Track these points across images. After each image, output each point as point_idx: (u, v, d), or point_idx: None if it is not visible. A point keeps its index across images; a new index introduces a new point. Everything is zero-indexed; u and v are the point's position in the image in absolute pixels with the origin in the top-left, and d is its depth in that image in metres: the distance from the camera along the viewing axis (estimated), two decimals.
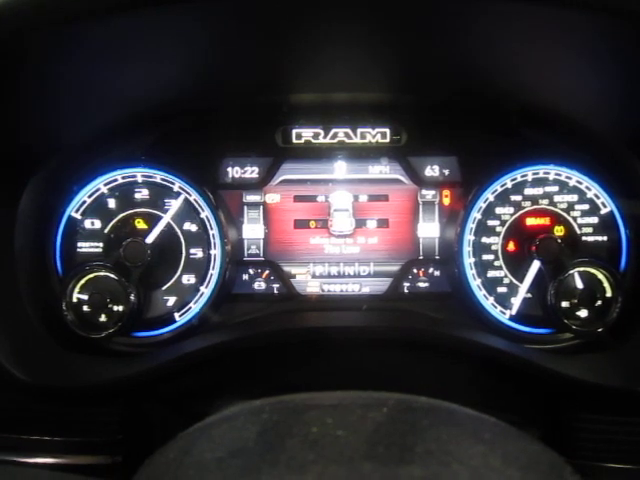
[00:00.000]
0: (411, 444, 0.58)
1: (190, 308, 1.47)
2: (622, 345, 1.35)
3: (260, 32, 1.09)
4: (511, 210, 1.48)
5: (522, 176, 1.48)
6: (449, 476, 0.54)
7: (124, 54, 1.10)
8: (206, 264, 1.47)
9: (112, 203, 1.47)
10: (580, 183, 1.47)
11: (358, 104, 1.51)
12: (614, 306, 1.37)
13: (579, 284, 1.38)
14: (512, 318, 1.46)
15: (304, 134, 1.53)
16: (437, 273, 1.53)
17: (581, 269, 1.38)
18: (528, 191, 1.48)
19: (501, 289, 1.48)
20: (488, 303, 1.47)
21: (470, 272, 1.47)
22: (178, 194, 1.47)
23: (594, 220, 1.46)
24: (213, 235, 1.47)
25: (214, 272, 1.47)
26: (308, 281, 1.54)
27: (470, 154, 1.52)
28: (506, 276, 1.48)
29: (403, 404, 0.68)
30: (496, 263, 1.48)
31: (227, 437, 0.64)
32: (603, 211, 1.46)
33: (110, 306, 1.38)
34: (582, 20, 0.99)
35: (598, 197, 1.46)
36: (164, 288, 1.47)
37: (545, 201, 1.47)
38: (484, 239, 1.48)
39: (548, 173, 1.48)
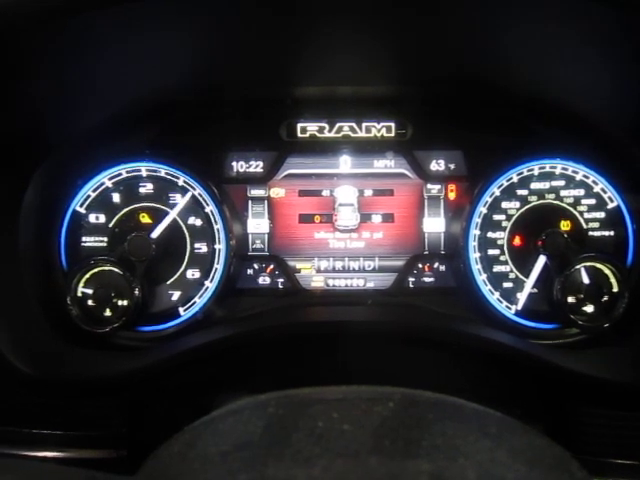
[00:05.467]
0: (417, 438, 0.58)
1: (195, 302, 1.47)
2: (628, 340, 1.34)
3: (264, 25, 1.08)
4: (517, 204, 1.47)
5: (528, 170, 1.47)
6: (455, 470, 0.54)
7: (127, 47, 1.10)
8: (211, 259, 1.47)
9: (117, 197, 1.47)
10: (587, 177, 1.46)
11: (363, 98, 1.51)
12: (620, 301, 1.36)
13: (585, 279, 1.38)
14: (518, 313, 1.46)
15: (309, 128, 1.52)
16: (442, 268, 1.53)
17: (587, 264, 1.38)
18: (534, 185, 1.47)
19: (507, 284, 1.47)
20: (494, 298, 1.46)
21: (476, 267, 1.47)
22: (185, 190, 1.47)
23: (601, 215, 1.46)
24: (218, 230, 1.47)
25: (219, 267, 1.47)
26: (313, 276, 1.53)
27: (476, 148, 1.51)
28: (512, 271, 1.47)
29: (409, 398, 0.68)
30: (502, 258, 1.47)
31: (232, 431, 0.64)
32: (610, 206, 1.45)
33: (115, 300, 1.38)
34: (587, 13, 0.98)
35: (605, 192, 1.45)
36: (169, 282, 1.47)
37: (551, 195, 1.47)
38: (490, 234, 1.48)
39: (554, 167, 1.47)
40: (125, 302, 1.38)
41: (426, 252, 1.53)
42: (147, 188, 1.47)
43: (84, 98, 1.28)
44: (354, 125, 1.52)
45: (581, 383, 1.20)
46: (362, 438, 0.58)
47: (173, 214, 1.46)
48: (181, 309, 1.47)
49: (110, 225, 1.47)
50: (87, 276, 1.38)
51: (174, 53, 1.17)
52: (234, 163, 1.53)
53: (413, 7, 1.02)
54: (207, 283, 1.47)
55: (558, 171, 1.47)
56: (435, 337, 1.25)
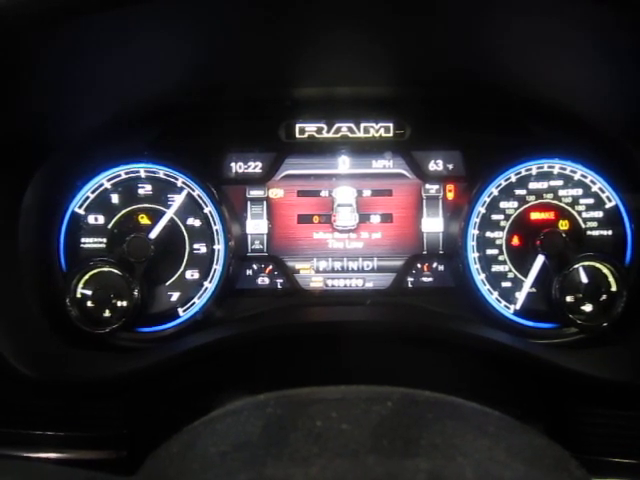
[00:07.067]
0: (415, 437, 0.58)
1: (194, 303, 1.47)
2: (627, 339, 1.34)
3: (263, 26, 1.09)
4: (515, 204, 1.48)
5: (526, 170, 1.47)
6: (453, 469, 0.54)
7: (126, 49, 1.10)
8: (210, 259, 1.47)
9: (115, 199, 1.47)
10: (585, 177, 1.46)
11: (361, 98, 1.51)
12: (619, 300, 1.36)
13: (584, 278, 1.38)
14: (516, 313, 1.46)
15: (307, 129, 1.52)
16: (441, 268, 1.53)
17: (586, 263, 1.38)
18: (532, 185, 1.47)
19: (505, 284, 1.47)
20: (492, 298, 1.47)
21: (474, 267, 1.47)
22: (181, 189, 1.47)
23: (599, 214, 1.46)
24: (217, 230, 1.47)
25: (218, 267, 1.47)
26: (312, 276, 1.54)
27: (474, 148, 1.51)
28: (510, 271, 1.47)
29: (407, 398, 0.68)
30: (500, 258, 1.48)
31: (231, 431, 0.64)
32: (608, 205, 1.46)
33: (114, 301, 1.38)
34: (586, 13, 0.98)
35: (603, 191, 1.46)
36: (168, 283, 1.47)
37: (549, 195, 1.47)
38: (488, 233, 1.48)
39: (552, 167, 1.47)
40: (124, 303, 1.38)
41: (425, 252, 1.53)
42: (146, 189, 1.48)
43: (83, 99, 1.28)
44: (352, 126, 1.52)
45: (580, 382, 1.21)
46: (360, 438, 0.58)
47: (170, 213, 1.46)
48: (180, 310, 1.47)
49: (109, 226, 1.47)
50: (86, 277, 1.38)
51: (173, 54, 1.17)
52: (233, 164, 1.53)
53: (411, 8, 1.02)
54: (206, 284, 1.47)
55: (556, 171, 1.47)
56: (434, 337, 1.26)
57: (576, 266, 1.38)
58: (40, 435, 1.24)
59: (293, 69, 1.34)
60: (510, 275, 1.48)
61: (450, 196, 1.53)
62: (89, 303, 1.38)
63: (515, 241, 1.48)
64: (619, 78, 1.21)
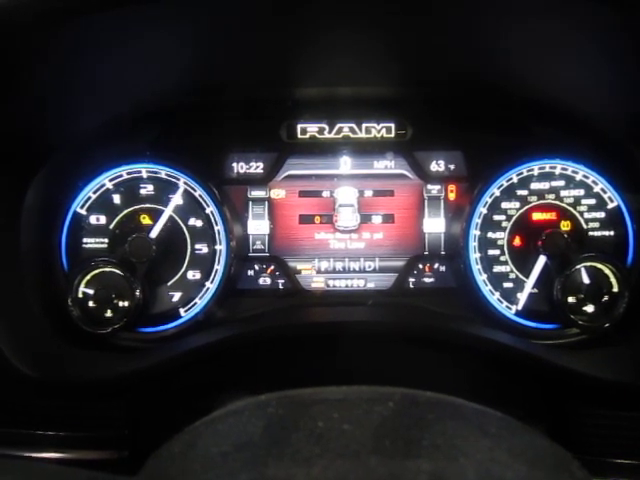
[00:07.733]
0: (417, 438, 0.58)
1: (195, 303, 1.47)
2: (628, 340, 1.34)
3: (264, 26, 1.09)
4: (517, 205, 1.47)
5: (528, 171, 1.47)
6: (455, 470, 0.54)
7: (127, 49, 1.10)
8: (211, 260, 1.47)
9: (117, 199, 1.47)
10: (586, 178, 1.46)
11: (363, 98, 1.51)
12: (621, 301, 1.36)
13: (585, 279, 1.38)
14: (518, 313, 1.46)
15: (309, 129, 1.52)
16: (443, 268, 1.53)
17: (587, 264, 1.38)
18: (534, 186, 1.47)
19: (507, 284, 1.47)
20: (494, 298, 1.47)
21: (476, 267, 1.47)
22: (177, 187, 1.47)
23: (601, 215, 1.46)
24: (218, 231, 1.47)
25: (219, 267, 1.47)
26: (313, 276, 1.53)
27: (476, 149, 1.51)
28: (512, 271, 1.47)
29: (409, 398, 0.68)
30: (502, 258, 1.48)
31: (233, 431, 0.64)
32: (610, 206, 1.45)
33: (115, 301, 1.38)
34: (587, 13, 0.98)
35: (605, 192, 1.45)
36: (169, 283, 1.47)
37: (551, 196, 1.47)
38: (490, 234, 1.48)
39: (554, 168, 1.47)
40: (126, 303, 1.38)
41: (426, 253, 1.53)
42: (147, 189, 1.48)
43: (85, 100, 1.28)
44: (354, 126, 1.52)
45: (582, 383, 1.20)
46: (362, 438, 0.58)
47: (168, 211, 1.46)
48: (182, 310, 1.47)
49: (111, 226, 1.47)
50: (88, 277, 1.38)
51: (174, 54, 1.17)
52: (234, 164, 1.53)
53: (412, 8, 1.02)
54: (208, 284, 1.47)
55: (558, 171, 1.47)
56: (436, 337, 1.26)
57: (578, 267, 1.38)
58: (42, 435, 1.24)
59: (294, 69, 1.34)
60: (512, 276, 1.47)
61: (452, 197, 1.52)
62: (91, 303, 1.38)
63: (517, 242, 1.48)
64: (620, 78, 1.21)
